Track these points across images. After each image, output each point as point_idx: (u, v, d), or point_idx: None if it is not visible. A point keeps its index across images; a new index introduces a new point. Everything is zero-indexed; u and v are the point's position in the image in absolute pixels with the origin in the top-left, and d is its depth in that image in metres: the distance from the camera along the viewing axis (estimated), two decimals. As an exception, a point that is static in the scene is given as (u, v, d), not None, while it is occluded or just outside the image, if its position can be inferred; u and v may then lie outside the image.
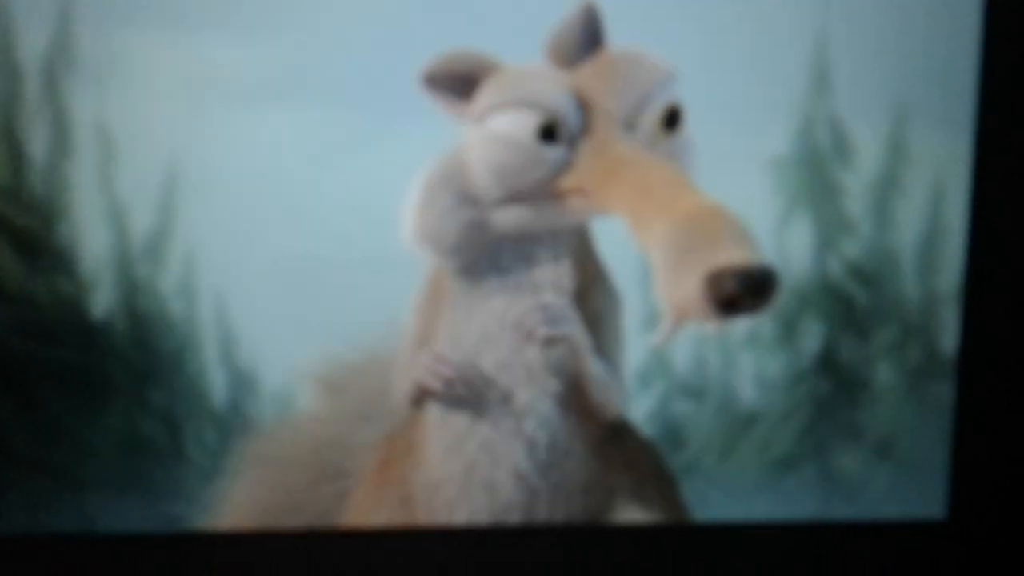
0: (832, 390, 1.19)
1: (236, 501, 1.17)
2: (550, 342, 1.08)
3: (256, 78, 1.10)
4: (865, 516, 1.20)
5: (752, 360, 1.18)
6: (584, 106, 1.04)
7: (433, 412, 1.11)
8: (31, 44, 1.08)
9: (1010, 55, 1.14)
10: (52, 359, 1.13)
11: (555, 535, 1.16)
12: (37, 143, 1.10)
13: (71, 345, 1.12)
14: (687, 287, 0.99)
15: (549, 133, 1.03)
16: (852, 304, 1.18)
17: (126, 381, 1.14)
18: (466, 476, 1.11)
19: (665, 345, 1.12)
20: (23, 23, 1.08)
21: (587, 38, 1.06)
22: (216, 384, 1.15)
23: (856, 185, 1.16)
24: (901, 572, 1.22)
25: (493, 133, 1.04)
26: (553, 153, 1.03)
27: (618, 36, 1.07)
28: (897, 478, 1.19)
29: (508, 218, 1.06)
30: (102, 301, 1.13)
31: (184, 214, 1.11)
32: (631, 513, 1.15)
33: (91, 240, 1.12)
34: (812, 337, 1.18)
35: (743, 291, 0.98)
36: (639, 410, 1.17)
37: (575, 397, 1.10)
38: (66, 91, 1.09)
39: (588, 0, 1.06)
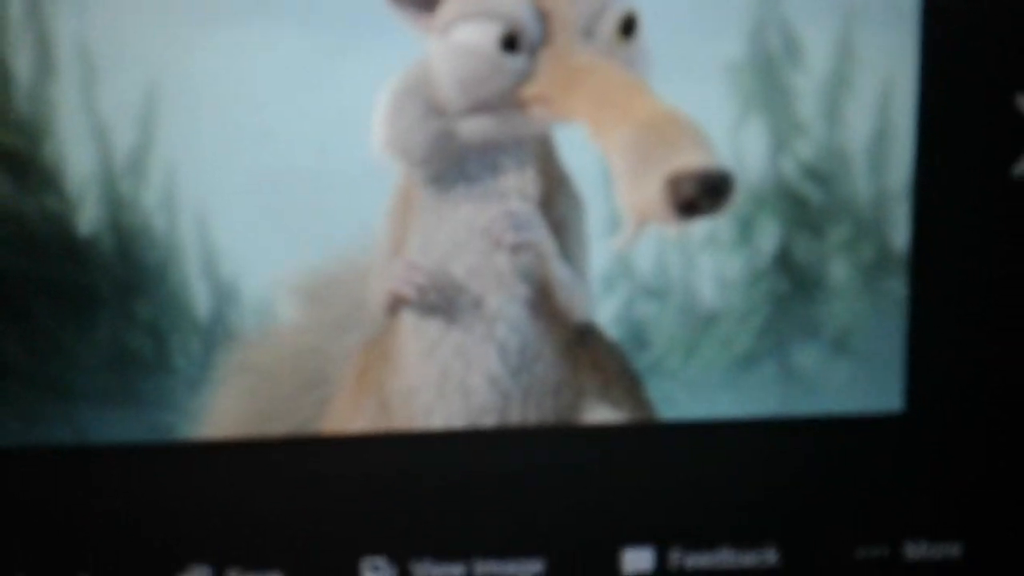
0: (789, 288, 1.22)
1: (221, 409, 1.20)
2: (517, 248, 1.13)
3: None
4: (824, 410, 1.24)
5: (712, 261, 1.21)
6: (544, 16, 1.08)
7: (407, 319, 1.16)
8: None
9: None
10: (41, 274, 1.16)
11: (528, 436, 1.20)
12: (20, 64, 1.13)
13: (59, 260, 1.16)
14: (647, 191, 1.04)
15: (510, 43, 1.07)
16: (806, 204, 1.21)
17: (113, 294, 1.17)
18: (441, 381, 1.16)
19: (628, 249, 1.16)
20: None
21: None
22: (199, 296, 1.18)
23: (807, 87, 1.19)
24: (861, 463, 1.26)
25: (456, 44, 1.08)
26: (515, 62, 1.07)
27: None
28: (854, 372, 1.23)
29: (473, 127, 1.10)
30: (87, 217, 1.16)
31: (165, 131, 1.14)
32: (600, 413, 1.20)
33: (75, 158, 1.15)
34: (768, 237, 1.21)
35: (702, 193, 1.03)
36: (604, 313, 1.20)
37: (543, 301, 1.15)
38: (49, 13, 1.12)
39: None
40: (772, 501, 1.26)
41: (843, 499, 1.27)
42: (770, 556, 1.27)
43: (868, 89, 1.19)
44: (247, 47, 1.13)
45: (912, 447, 1.26)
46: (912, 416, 1.25)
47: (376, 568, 1.24)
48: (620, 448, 1.23)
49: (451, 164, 1.12)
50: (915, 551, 1.28)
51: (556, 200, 1.14)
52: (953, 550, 1.28)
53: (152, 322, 1.18)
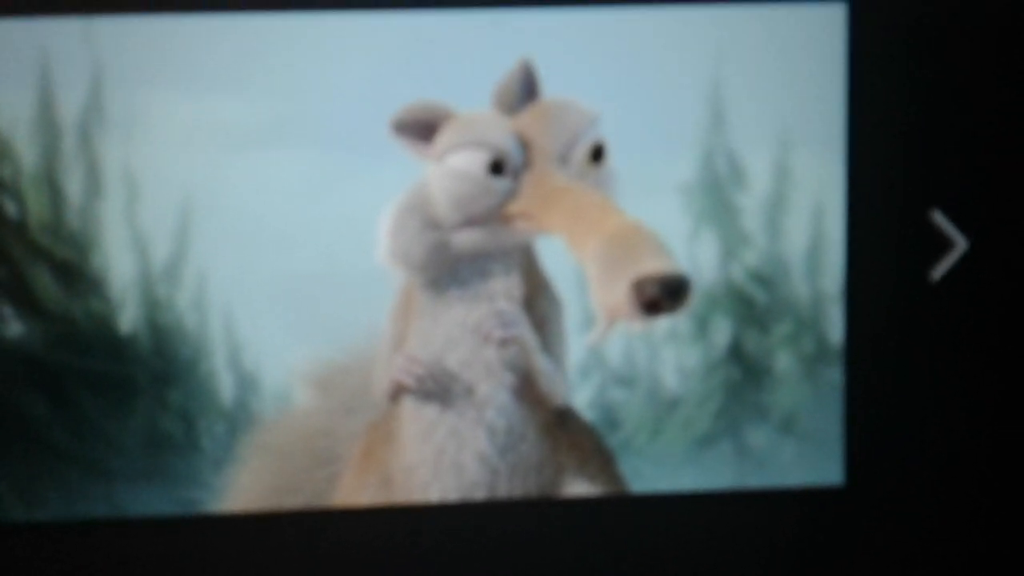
0: (741, 376, 1.33)
1: (242, 485, 1.30)
2: (504, 342, 1.24)
3: (254, 127, 1.25)
4: (774, 484, 1.34)
5: (673, 353, 1.32)
6: (525, 145, 1.21)
7: (407, 405, 1.26)
8: (68, 104, 1.24)
9: (873, 94, 1.31)
10: (86, 367, 1.27)
11: (514, 508, 1.30)
12: (73, 186, 1.25)
13: (102, 355, 1.27)
14: (616, 293, 1.16)
15: (497, 168, 1.20)
16: (753, 303, 1.32)
17: (148, 384, 1.28)
18: (437, 459, 1.26)
19: (600, 343, 1.28)
20: (61, 87, 1.24)
21: (525, 89, 1.24)
22: (225, 385, 1.28)
23: (751, 205, 1.31)
24: (806, 532, 1.36)
25: (451, 169, 1.21)
26: (501, 184, 1.20)
27: (550, 87, 1.25)
28: (800, 450, 1.34)
29: (465, 239, 1.22)
30: (128, 317, 1.27)
31: (196, 242, 1.25)
32: (577, 487, 1.30)
33: (119, 266, 1.26)
34: (722, 332, 1.33)
35: (663, 295, 1.15)
36: (580, 398, 1.31)
37: (527, 389, 1.26)
38: (97, 142, 1.24)
39: (525, 59, 1.23)
40: (731, 565, 1.36)
41: (793, 564, 1.37)
42: (730, 615, 1.37)
43: (803, 206, 1.31)
44: (268, 169, 1.25)
45: (852, 516, 1.36)
46: (852, 489, 1.35)
47: (379, 627, 1.33)
48: (596, 518, 1.34)
49: (446, 270, 1.23)
50: (859, 610, 1.38)
51: (538, 301, 1.26)
52: (894, 609, 1.39)
53: (183, 408, 1.28)
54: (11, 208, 1.25)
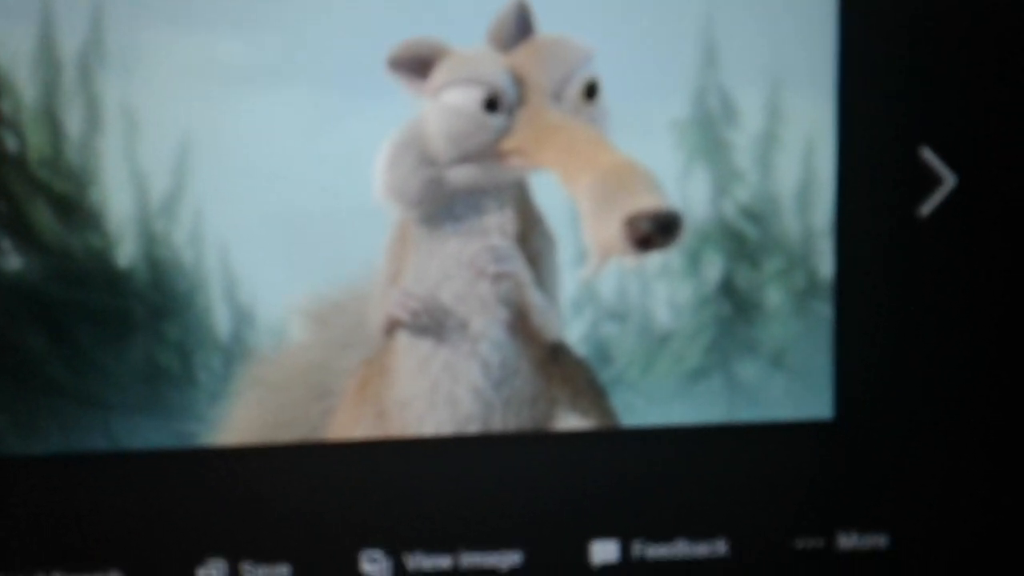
0: (732, 311, 1.37)
1: (238, 419, 1.34)
2: (498, 277, 1.28)
3: (253, 65, 1.28)
4: (764, 418, 1.38)
5: (665, 288, 1.36)
6: (519, 81, 1.25)
7: (402, 339, 1.30)
8: (68, 40, 1.27)
9: (864, 32, 1.33)
10: (84, 301, 1.30)
11: (508, 442, 1.34)
12: (73, 122, 1.28)
13: (100, 289, 1.30)
14: (609, 229, 1.19)
15: (492, 104, 1.23)
16: (744, 239, 1.36)
17: (145, 318, 1.31)
18: (431, 393, 1.30)
19: (593, 278, 1.32)
20: (62, 23, 1.26)
21: (520, 26, 1.27)
22: (221, 319, 1.31)
23: (742, 141, 1.34)
24: (797, 465, 1.40)
25: (446, 105, 1.24)
26: (495, 121, 1.24)
27: (545, 24, 1.28)
28: (789, 385, 1.37)
29: (460, 175, 1.26)
30: (126, 251, 1.30)
31: (194, 179, 1.28)
32: (570, 421, 1.34)
33: (117, 201, 1.29)
34: (713, 268, 1.36)
35: (656, 231, 1.18)
36: (573, 333, 1.34)
37: (521, 323, 1.30)
38: (97, 78, 1.27)
39: None
40: (721, 498, 1.40)
41: (782, 496, 1.40)
42: (720, 546, 1.40)
43: (794, 143, 1.34)
44: (266, 107, 1.28)
45: (841, 451, 1.40)
46: (840, 423, 1.40)
47: (373, 560, 1.36)
48: (588, 452, 1.37)
49: (441, 206, 1.27)
50: (847, 541, 1.41)
51: (532, 237, 1.30)
52: (880, 540, 1.42)
53: (179, 342, 1.32)
54: (11, 143, 1.28)
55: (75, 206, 1.29)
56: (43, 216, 1.29)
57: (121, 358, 1.32)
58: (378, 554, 1.37)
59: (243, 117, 1.29)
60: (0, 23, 1.26)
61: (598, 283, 1.35)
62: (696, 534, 1.40)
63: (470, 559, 1.38)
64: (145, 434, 1.33)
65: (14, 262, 1.30)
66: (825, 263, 1.37)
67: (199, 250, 1.30)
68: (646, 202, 1.19)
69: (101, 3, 1.26)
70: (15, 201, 1.29)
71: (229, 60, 1.28)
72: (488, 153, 1.25)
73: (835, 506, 1.41)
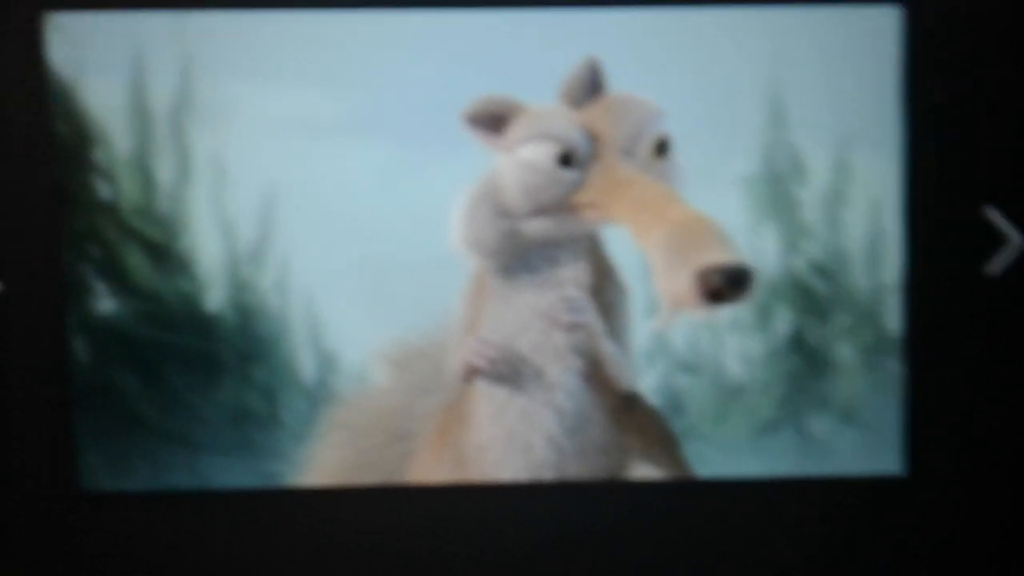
0: (802, 366, 1.39)
1: (321, 461, 1.38)
2: (572, 328, 1.31)
3: (335, 119, 1.33)
4: (834, 473, 1.40)
5: (736, 341, 1.39)
6: (592, 137, 1.29)
7: (480, 386, 1.34)
8: (160, 94, 1.34)
9: (928, 93, 1.37)
10: (174, 344, 1.36)
11: (581, 489, 1.38)
12: (164, 172, 1.35)
13: (189, 333, 1.36)
14: (680, 282, 1.23)
15: (566, 159, 1.28)
16: (814, 294, 1.38)
17: (233, 361, 1.37)
18: (508, 439, 1.34)
19: (665, 330, 1.36)
20: (154, 77, 1.34)
21: (592, 85, 1.31)
22: (306, 363, 1.37)
23: (811, 198, 1.37)
24: (865, 521, 1.42)
25: (522, 160, 1.29)
26: (569, 175, 1.28)
27: (616, 85, 1.33)
28: (860, 440, 1.40)
29: (535, 227, 1.30)
30: (215, 297, 1.36)
31: (280, 227, 1.35)
32: (643, 470, 1.37)
33: (206, 248, 1.36)
34: (783, 322, 1.39)
35: (726, 284, 1.22)
36: (646, 383, 1.38)
37: (595, 373, 1.33)
38: (187, 131, 1.34)
39: (591, 56, 1.31)
40: (791, 551, 1.42)
41: (853, 550, 1.42)
42: (792, 599, 1.43)
43: (862, 201, 1.37)
44: (348, 159, 1.34)
45: (912, 507, 1.42)
46: (911, 479, 1.41)
47: (450, 602, 1.40)
48: (661, 502, 1.41)
49: (516, 257, 1.31)
50: (920, 598, 1.43)
51: (605, 288, 1.33)
52: (954, 597, 1.43)
53: (266, 385, 1.37)
54: (105, 191, 1.35)
55: (166, 252, 1.36)
56: (136, 261, 1.35)
57: (209, 399, 1.37)
58: (456, 595, 1.41)
59: (326, 169, 1.34)
60: (95, 77, 1.34)
61: (670, 335, 1.38)
62: (768, 585, 1.44)
63: (545, 604, 1.42)
64: (232, 473, 1.38)
65: (108, 305, 1.36)
66: (894, 319, 1.39)
67: (285, 297, 1.36)
68: (717, 256, 1.22)
69: (190, 59, 1.33)
70: (109, 247, 1.35)
71: (312, 114, 1.33)
72: (562, 206, 1.29)
73: (906, 561, 1.43)
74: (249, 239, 1.36)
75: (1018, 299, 1.41)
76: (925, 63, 1.37)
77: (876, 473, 1.41)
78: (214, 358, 1.37)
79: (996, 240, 1.39)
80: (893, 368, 1.40)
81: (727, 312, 1.37)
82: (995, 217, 1.38)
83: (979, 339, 1.41)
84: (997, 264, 1.39)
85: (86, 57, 1.34)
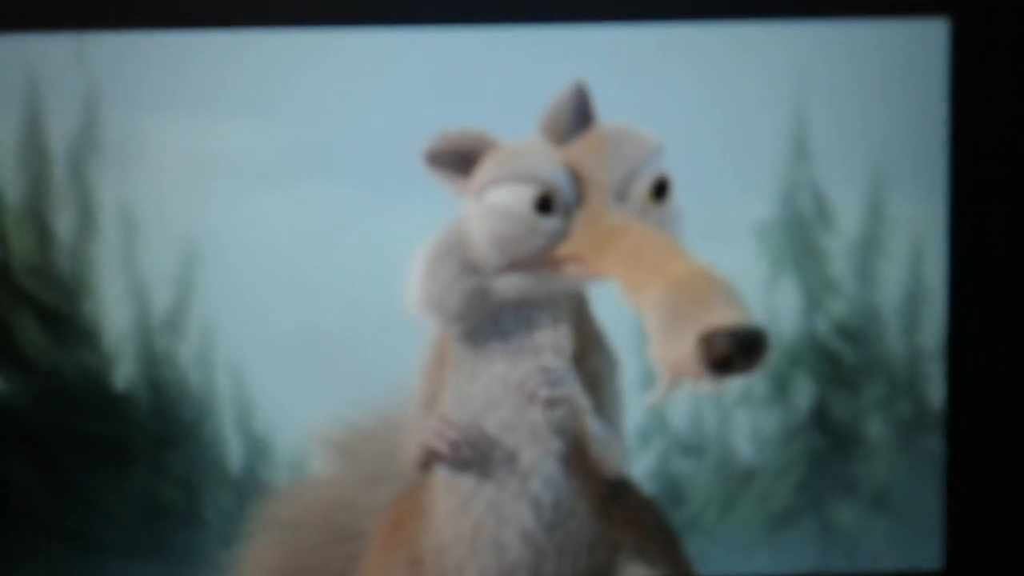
0: (826, 445, 1.34)
1: (251, 564, 1.29)
2: (551, 403, 1.18)
3: (266, 157, 1.27)
4: (864, 568, 1.34)
5: (747, 417, 1.33)
6: (577, 179, 1.18)
7: (440, 474, 1.22)
8: (58, 130, 1.27)
9: (978, 120, 1.30)
10: (76, 428, 1.29)
11: None
12: (64, 224, 1.28)
13: (94, 415, 1.29)
14: (681, 348, 1.11)
15: (545, 204, 1.15)
16: (841, 361, 1.33)
17: (146, 448, 1.30)
18: (473, 537, 1.22)
19: (662, 404, 1.22)
20: (51, 110, 1.26)
21: (578, 115, 1.21)
22: (233, 450, 1.30)
23: (839, 247, 1.31)
24: None
25: (492, 206, 1.16)
26: (549, 223, 1.15)
27: (607, 113, 1.22)
28: (893, 530, 1.34)
29: (508, 285, 1.18)
30: (124, 372, 1.30)
31: (202, 288, 1.28)
32: (636, 570, 1.25)
33: (114, 315, 1.29)
34: (804, 394, 1.33)
35: (736, 351, 1.09)
36: (640, 468, 1.30)
37: (577, 456, 1.21)
38: (91, 174, 1.27)
39: (578, 79, 1.20)
40: None
41: None
42: None
43: (899, 250, 1.31)
44: (284, 206, 1.27)
45: None
46: (952, 575, 1.35)
47: None
48: None
49: (486, 321, 1.20)
50: None
51: (590, 356, 1.22)
52: None
53: (185, 476, 1.30)
54: None
55: (66, 320, 1.29)
56: (29, 331, 1.29)
57: (118, 493, 1.31)
58: None
59: (257, 217, 1.28)
60: (-22, 110, 1.28)
61: (669, 411, 1.33)
62: None
63: None
64: None
65: (-3, 383, 1.30)
66: (936, 389, 1.34)
67: (208, 371, 1.30)
68: (724, 317, 1.09)
69: (96, 89, 1.27)
70: (-3, 314, 1.29)
71: (241, 152, 1.27)
72: (540, 260, 1.17)
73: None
74: (165, 303, 1.29)
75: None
76: (975, 87, 1.30)
77: (912, 569, 1.34)
78: (123, 444, 1.31)
79: (1058, 297, 1.33)
80: (933, 447, 1.34)
81: (737, 384, 1.22)
82: (1057, 270, 1.32)
83: (1035, 413, 1.33)
84: (1057, 324, 1.33)
85: (-32, 88, 1.27)
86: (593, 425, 1.21)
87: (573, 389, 1.19)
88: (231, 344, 1.29)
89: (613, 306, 1.18)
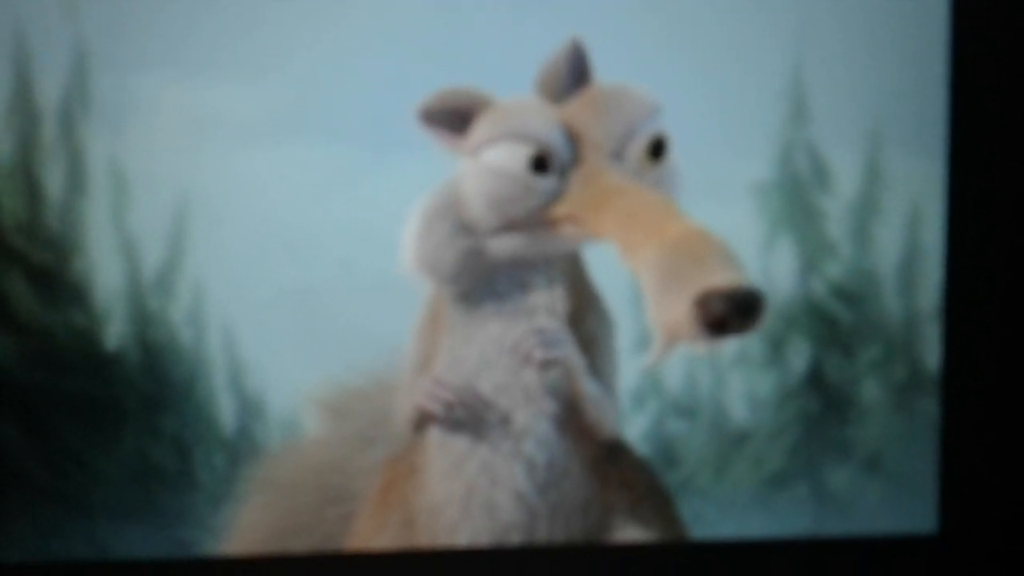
0: (820, 407, 1.33)
1: (244, 525, 1.30)
2: (546, 364, 1.22)
3: (259, 116, 1.26)
4: (857, 531, 1.34)
5: (742, 379, 1.33)
6: (573, 138, 1.19)
7: (434, 435, 1.25)
8: (49, 87, 1.25)
9: (977, 80, 1.29)
10: (66, 389, 1.28)
11: (555, 555, 1.29)
12: (53, 182, 1.26)
13: (85, 375, 1.28)
14: (677, 309, 1.13)
15: (540, 164, 1.18)
16: (836, 323, 1.32)
17: (137, 409, 1.29)
18: (466, 498, 1.25)
19: (657, 366, 1.25)
20: (41, 68, 1.24)
21: (574, 73, 1.22)
22: (225, 410, 1.29)
23: (836, 209, 1.31)
24: None
25: (487, 165, 1.19)
26: (545, 183, 1.18)
27: (604, 71, 1.23)
28: (887, 493, 1.34)
29: (503, 246, 1.20)
30: (115, 332, 1.28)
31: (193, 247, 1.27)
32: (629, 531, 1.28)
33: (104, 274, 1.27)
34: (799, 356, 1.33)
35: (731, 312, 1.12)
36: (634, 430, 1.31)
37: (571, 418, 1.24)
38: (81, 132, 1.25)
39: (574, 37, 1.21)
40: None
41: None
42: None
43: (896, 211, 1.31)
44: (276, 165, 1.26)
45: (946, 570, 1.35)
46: (946, 538, 1.35)
47: None
48: (650, 568, 1.33)
49: (480, 282, 1.22)
50: (953, 677, 1.37)
51: (585, 317, 1.24)
52: (992, 676, 1.38)
53: (177, 437, 1.29)
54: None
55: (56, 279, 1.28)
56: (19, 291, 1.27)
57: (108, 455, 1.29)
58: None
59: (249, 176, 1.27)
60: (-34, 68, 1.26)
61: (663, 372, 1.32)
62: (776, 665, 1.38)
63: None
64: (136, 542, 1.30)
65: (-15, 343, 1.29)
66: (931, 352, 1.33)
67: (199, 331, 1.28)
68: (720, 278, 1.12)
69: (85, 46, 1.25)
70: (-14, 273, 1.28)
71: (233, 111, 1.26)
72: (536, 220, 1.20)
73: (940, 635, 1.39)
74: (156, 262, 1.27)
75: (1077, 326, 1.34)
76: (976, 45, 1.30)
77: (906, 532, 1.34)
78: (114, 405, 1.29)
79: (1056, 258, 1.33)
80: (928, 410, 1.34)
81: (732, 345, 1.30)
82: (1055, 231, 1.32)
83: (1031, 375, 1.33)
84: (1054, 286, 1.33)
85: (-43, 44, 1.25)
86: (588, 386, 1.23)
87: (568, 350, 1.22)
88: (223, 304, 1.28)
89: (609, 267, 1.21)
